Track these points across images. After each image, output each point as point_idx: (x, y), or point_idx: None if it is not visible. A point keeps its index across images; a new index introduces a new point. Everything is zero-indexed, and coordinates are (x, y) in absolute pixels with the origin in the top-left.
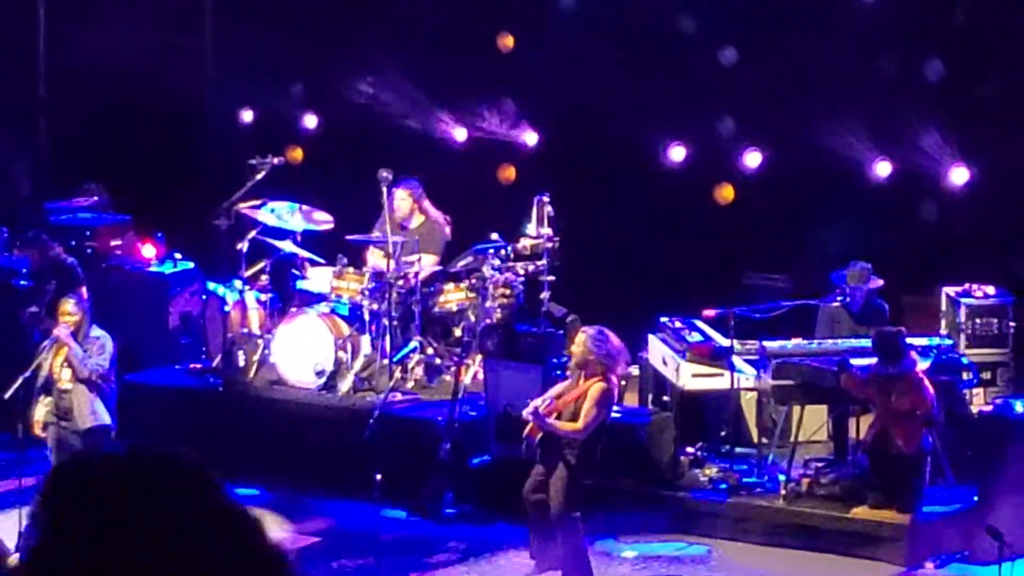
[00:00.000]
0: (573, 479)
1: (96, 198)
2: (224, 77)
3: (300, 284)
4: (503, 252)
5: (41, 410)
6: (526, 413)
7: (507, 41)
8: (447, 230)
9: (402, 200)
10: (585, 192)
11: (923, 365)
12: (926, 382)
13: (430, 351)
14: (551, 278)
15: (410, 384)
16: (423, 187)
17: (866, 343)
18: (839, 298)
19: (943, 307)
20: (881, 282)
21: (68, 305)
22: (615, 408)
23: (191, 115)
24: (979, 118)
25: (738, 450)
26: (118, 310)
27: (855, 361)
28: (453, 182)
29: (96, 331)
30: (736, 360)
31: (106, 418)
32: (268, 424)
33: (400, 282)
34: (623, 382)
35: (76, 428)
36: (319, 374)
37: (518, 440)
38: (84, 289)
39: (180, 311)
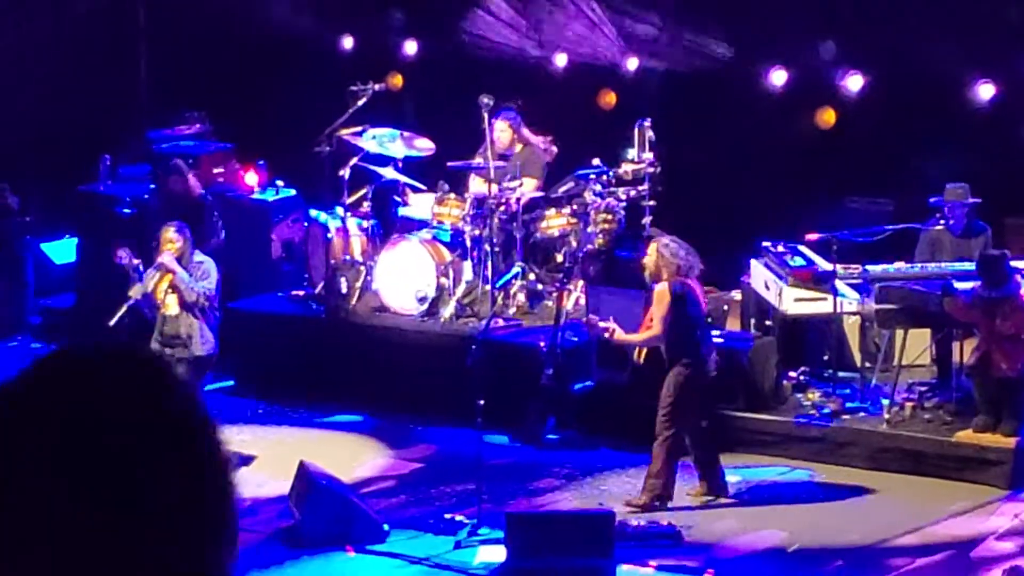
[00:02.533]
0: (676, 389)
1: (198, 126)
2: (324, 3)
3: (402, 211)
4: (605, 177)
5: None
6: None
7: None
8: (553, 149)
9: (502, 132)
10: (687, 117)
11: None
12: None
13: (532, 277)
14: (652, 203)
15: (512, 310)
16: (520, 114)
17: (970, 266)
18: (941, 222)
19: None
20: (978, 200)
21: (170, 232)
22: (716, 333)
23: (292, 42)
24: None
25: (841, 374)
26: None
27: (959, 284)
28: (554, 108)
29: (199, 256)
30: (839, 284)
31: (212, 344)
32: (370, 351)
33: (501, 208)
34: (724, 307)
35: (182, 355)
36: (421, 300)
37: (620, 365)
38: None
39: (282, 239)
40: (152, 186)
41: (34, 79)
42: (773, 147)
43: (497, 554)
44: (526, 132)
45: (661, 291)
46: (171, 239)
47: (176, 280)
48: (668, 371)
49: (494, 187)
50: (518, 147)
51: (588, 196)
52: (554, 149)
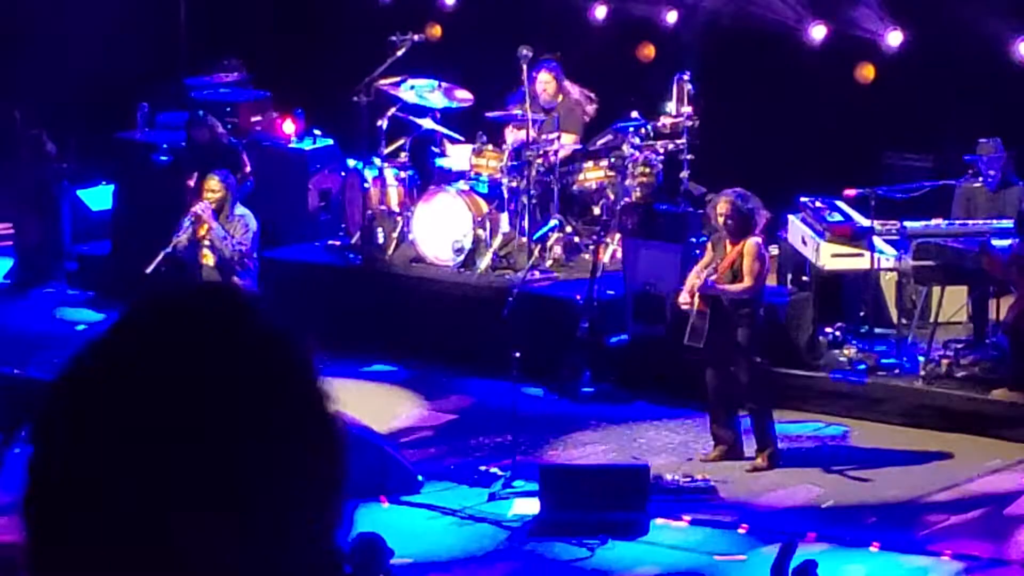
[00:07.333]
0: (758, 339)
1: (236, 74)
2: None
3: (439, 161)
4: (643, 130)
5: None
6: (697, 289)
7: None
8: (590, 108)
9: (547, 83)
10: (725, 71)
11: None
12: None
13: (569, 229)
14: (691, 157)
15: (549, 262)
16: (561, 66)
17: (1008, 224)
18: (979, 179)
19: None
20: (1011, 152)
21: (212, 182)
22: None
23: None
24: None
25: (877, 331)
26: (258, 187)
27: (996, 242)
28: (593, 60)
29: (240, 209)
30: (876, 240)
31: None
32: (406, 301)
33: (539, 160)
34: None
35: None
36: (458, 252)
37: (656, 319)
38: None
39: (320, 188)
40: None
41: (73, 26)
42: (812, 102)
43: (531, 507)
44: (568, 84)
45: (755, 247)
46: (212, 188)
47: (211, 235)
48: (736, 324)
49: (532, 136)
50: (558, 99)
51: (626, 149)
52: (592, 107)
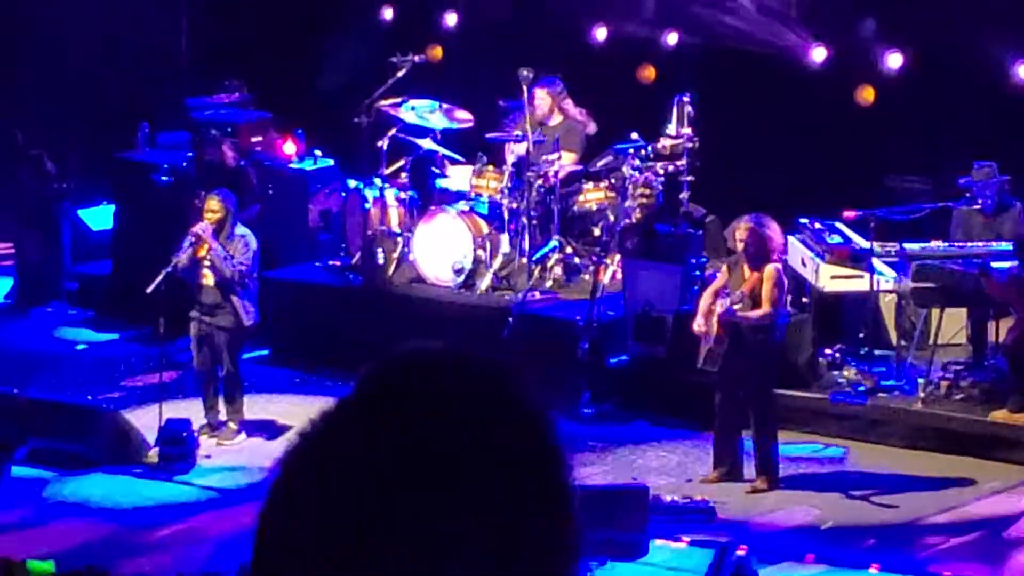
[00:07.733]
0: (772, 364)
1: (237, 94)
2: None
3: (440, 182)
4: (643, 152)
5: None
6: (719, 317)
7: None
8: (591, 126)
9: (542, 99)
10: (726, 93)
11: None
12: None
13: (569, 250)
14: (691, 178)
15: (548, 283)
16: (564, 85)
17: (1007, 246)
18: (978, 202)
19: None
20: (1006, 177)
21: (213, 202)
22: None
23: (332, 12)
24: None
25: (877, 352)
26: (259, 207)
27: (996, 264)
28: (594, 81)
29: (240, 229)
30: (876, 262)
31: (254, 314)
32: (407, 322)
33: (539, 181)
34: None
35: (221, 324)
36: (458, 272)
37: (656, 340)
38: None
39: (320, 208)
40: (190, 154)
41: (74, 46)
42: (812, 124)
43: None
44: (567, 104)
45: (774, 272)
46: (213, 208)
47: (211, 255)
48: (753, 349)
49: (532, 156)
50: (558, 118)
51: (626, 170)
52: (593, 125)
